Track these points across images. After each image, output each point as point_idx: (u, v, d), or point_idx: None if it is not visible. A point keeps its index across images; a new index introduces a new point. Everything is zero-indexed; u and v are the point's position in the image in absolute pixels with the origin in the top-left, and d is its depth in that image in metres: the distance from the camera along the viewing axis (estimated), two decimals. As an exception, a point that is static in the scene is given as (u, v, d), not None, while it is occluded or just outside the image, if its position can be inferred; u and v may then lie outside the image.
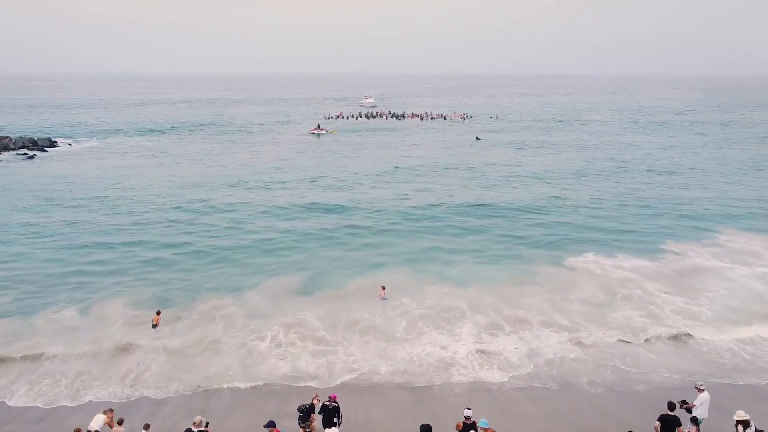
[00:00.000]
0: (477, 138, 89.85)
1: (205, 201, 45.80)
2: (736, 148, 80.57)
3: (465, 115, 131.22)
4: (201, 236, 37.00)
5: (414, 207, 44.73)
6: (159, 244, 35.49)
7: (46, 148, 78.14)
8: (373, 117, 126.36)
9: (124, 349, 23.07)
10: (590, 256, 34.44)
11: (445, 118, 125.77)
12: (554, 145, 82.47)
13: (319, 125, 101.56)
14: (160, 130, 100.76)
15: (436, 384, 21.22)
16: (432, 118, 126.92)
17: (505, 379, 21.41)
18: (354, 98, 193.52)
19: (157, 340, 23.75)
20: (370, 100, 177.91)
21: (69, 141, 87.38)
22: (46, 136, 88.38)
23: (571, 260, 33.75)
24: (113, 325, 25.07)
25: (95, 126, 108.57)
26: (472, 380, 21.46)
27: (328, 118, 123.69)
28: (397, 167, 61.88)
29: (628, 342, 23.59)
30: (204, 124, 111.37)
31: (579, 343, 23.57)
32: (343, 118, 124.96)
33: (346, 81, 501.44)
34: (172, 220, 40.30)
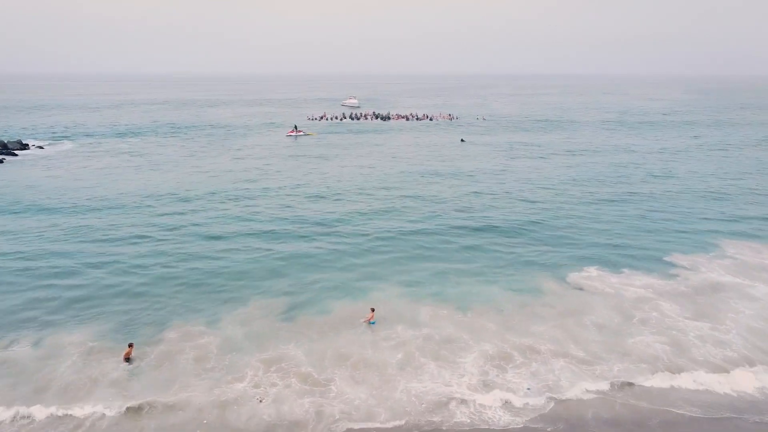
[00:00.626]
0: (462, 140, 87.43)
1: (180, 213, 42.47)
2: (732, 150, 78.90)
3: (451, 116, 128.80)
4: (173, 254, 33.78)
5: (402, 219, 41.77)
6: (126, 263, 32.22)
7: (15, 152, 74.16)
8: (358, 118, 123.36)
9: (77, 391, 20.05)
10: (593, 271, 32.10)
11: (431, 119, 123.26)
12: (543, 147, 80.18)
13: (296, 127, 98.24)
14: (139, 132, 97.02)
15: (436, 428, 18.62)
16: (418, 119, 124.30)
17: (518, 424, 18.82)
18: (362, 99, 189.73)
19: (117, 379, 20.77)
20: (353, 101, 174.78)
21: (42, 144, 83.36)
22: (17, 138, 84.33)
23: (574, 276, 31.32)
24: (66, 361, 21.99)
25: (72, 128, 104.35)
26: (477, 422, 18.92)
27: (312, 120, 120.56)
28: (383, 174, 58.84)
29: (651, 375, 21.05)
30: (185, 126, 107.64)
31: (597, 377, 21.01)
32: (327, 119, 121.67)
33: (347, 81, 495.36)
34: (142, 236, 36.93)
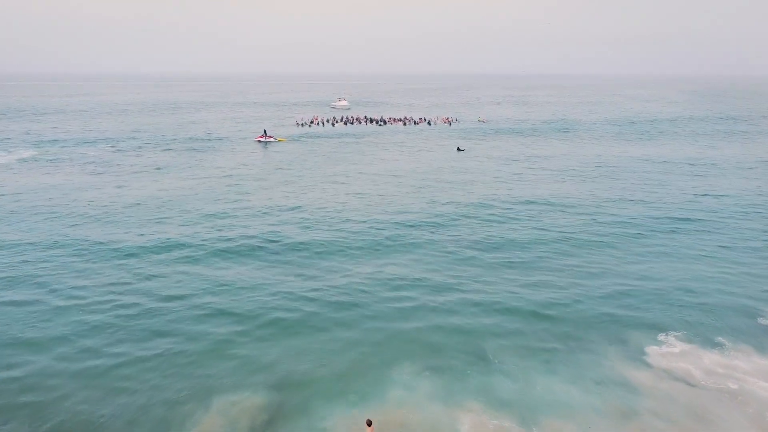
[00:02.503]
0: (458, 149, 78.61)
1: (132, 252, 32.85)
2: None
3: (450, 119, 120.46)
4: (109, 329, 24.46)
5: (408, 268, 31.96)
6: (41, 340, 23.16)
7: (-36, 162, 65.14)
8: (351, 123, 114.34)
9: None
10: (676, 344, 23.97)
11: (429, 123, 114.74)
12: (554, 161, 71.22)
13: (265, 132, 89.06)
14: (110, 139, 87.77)
15: None
16: (415, 123, 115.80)
17: None
18: (350, 101, 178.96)
19: None
20: (343, 102, 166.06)
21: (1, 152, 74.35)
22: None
23: (655, 354, 23.14)
24: None
25: (39, 133, 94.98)
26: None
27: (302, 125, 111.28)
28: (381, 196, 48.77)
29: None
30: (161, 132, 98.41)
31: None
32: (318, 124, 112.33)
33: (345, 81, 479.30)
34: (75, 296, 27.30)
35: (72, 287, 28.38)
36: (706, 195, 50.20)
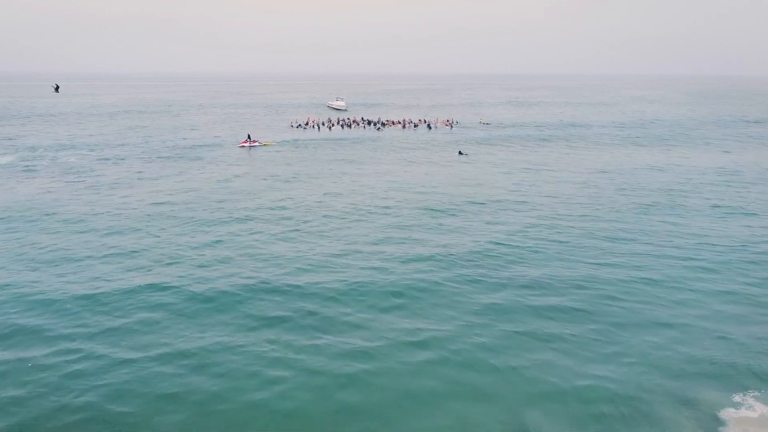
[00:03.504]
0: (460, 152, 74.85)
1: (94, 294, 27.40)
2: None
3: (451, 122, 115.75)
4: (52, 393, 19.82)
5: (426, 315, 26.78)
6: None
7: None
8: (349, 126, 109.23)
9: None
10: (756, 406, 19.75)
11: (429, 126, 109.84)
12: (564, 168, 66.68)
13: (249, 137, 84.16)
14: (94, 144, 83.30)
15: None
16: (415, 126, 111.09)
17: None
18: (348, 102, 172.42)
19: None
20: (341, 103, 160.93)
21: (-25, 159, 69.64)
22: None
23: (731, 420, 18.88)
24: None
25: (20, 136, 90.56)
26: None
27: (296, 127, 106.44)
28: (384, 219, 42.93)
29: None
30: (148, 136, 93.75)
31: None
32: (313, 126, 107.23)
33: (343, 82, 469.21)
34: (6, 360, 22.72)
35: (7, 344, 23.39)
36: (744, 213, 45.28)
